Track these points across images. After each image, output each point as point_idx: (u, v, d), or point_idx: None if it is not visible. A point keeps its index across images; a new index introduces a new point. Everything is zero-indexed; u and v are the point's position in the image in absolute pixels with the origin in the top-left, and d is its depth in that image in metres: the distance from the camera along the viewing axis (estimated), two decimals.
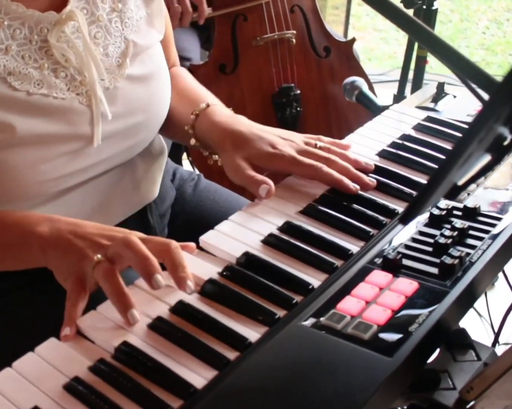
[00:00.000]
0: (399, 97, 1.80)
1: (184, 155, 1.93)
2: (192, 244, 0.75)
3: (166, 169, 1.05)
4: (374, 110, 1.39)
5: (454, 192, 0.57)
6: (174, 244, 0.70)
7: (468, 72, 0.62)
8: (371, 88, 1.63)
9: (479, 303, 1.08)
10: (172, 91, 0.98)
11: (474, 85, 0.61)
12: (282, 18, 1.68)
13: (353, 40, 1.78)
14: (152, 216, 0.99)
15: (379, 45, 3.97)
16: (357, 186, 0.84)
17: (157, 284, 0.66)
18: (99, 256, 0.68)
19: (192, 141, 0.94)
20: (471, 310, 1.11)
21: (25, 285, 0.88)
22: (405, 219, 0.53)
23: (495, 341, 0.83)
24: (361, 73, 1.71)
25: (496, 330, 0.89)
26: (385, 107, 1.12)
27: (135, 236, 0.69)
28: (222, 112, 0.94)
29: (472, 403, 0.65)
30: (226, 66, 1.69)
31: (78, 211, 0.88)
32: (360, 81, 1.49)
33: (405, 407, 0.68)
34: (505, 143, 0.61)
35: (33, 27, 0.80)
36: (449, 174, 0.53)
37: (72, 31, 0.82)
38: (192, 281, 0.68)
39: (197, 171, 1.26)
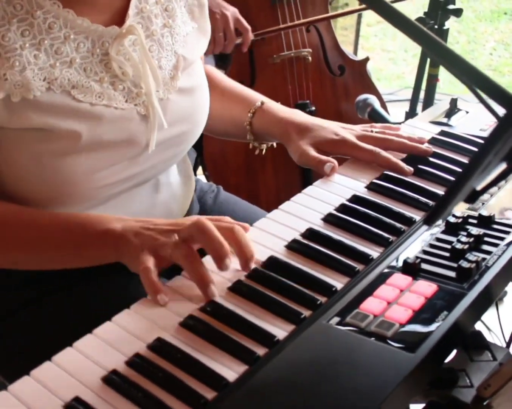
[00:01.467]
0: (411, 114, 1.84)
1: (200, 170, 1.97)
2: (247, 224, 0.82)
3: None
4: (378, 120, 1.44)
5: (473, 197, 0.61)
6: (236, 227, 0.76)
7: (481, 84, 0.66)
8: (383, 105, 1.67)
9: (488, 318, 1.11)
10: (213, 89, 1.06)
11: (485, 96, 0.65)
12: (298, 36, 1.73)
13: (367, 59, 1.83)
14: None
15: (387, 66, 4.02)
16: (411, 169, 0.95)
17: (226, 267, 0.72)
18: (176, 236, 0.74)
19: (249, 136, 1.07)
20: (480, 324, 1.13)
21: (59, 289, 0.93)
22: (430, 220, 0.57)
23: (508, 345, 0.86)
24: (374, 91, 1.76)
25: (508, 338, 0.92)
26: (397, 124, 1.16)
27: (206, 219, 0.75)
28: (279, 108, 1.06)
29: (489, 400, 0.68)
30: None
31: None
32: (372, 98, 1.54)
33: (425, 404, 0.71)
34: None
35: (96, 41, 0.85)
36: (469, 180, 0.57)
37: (129, 44, 0.87)
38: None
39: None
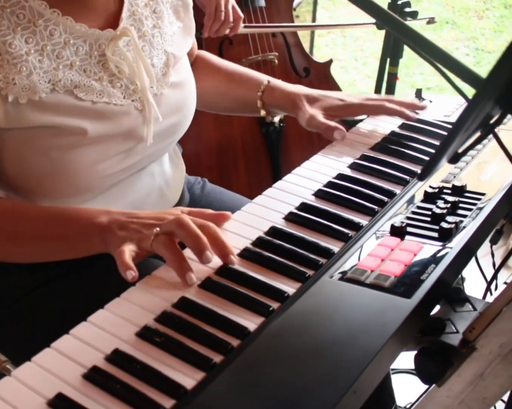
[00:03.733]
0: None
1: None
2: (228, 213, 0.86)
3: None
4: (351, 124, 1.53)
5: (456, 158, 0.70)
6: (210, 224, 0.79)
7: (452, 67, 0.76)
8: None
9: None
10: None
11: (453, 77, 0.75)
12: (265, 41, 1.82)
13: (331, 61, 1.94)
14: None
15: (339, 74, 4.15)
16: (415, 115, 1.12)
17: (207, 259, 0.75)
18: (157, 228, 0.78)
19: (262, 112, 1.18)
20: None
21: (47, 282, 0.98)
22: (422, 176, 0.66)
23: (484, 297, 0.96)
24: (338, 90, 1.85)
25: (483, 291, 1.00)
26: (361, 121, 1.25)
27: (186, 215, 0.79)
28: (285, 84, 1.17)
29: (473, 342, 0.77)
30: None
31: (119, 207, 0.98)
32: None
33: (417, 351, 0.79)
34: (491, 122, 0.74)
35: (93, 43, 0.91)
36: (453, 142, 0.66)
37: (123, 45, 0.94)
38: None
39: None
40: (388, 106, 1.10)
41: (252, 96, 1.17)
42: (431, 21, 1.84)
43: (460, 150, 0.72)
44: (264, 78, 1.18)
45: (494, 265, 1.18)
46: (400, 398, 1.18)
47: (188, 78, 1.07)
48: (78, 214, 0.86)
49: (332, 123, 1.06)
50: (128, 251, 0.77)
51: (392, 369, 1.71)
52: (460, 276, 1.10)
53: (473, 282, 1.14)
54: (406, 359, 0.79)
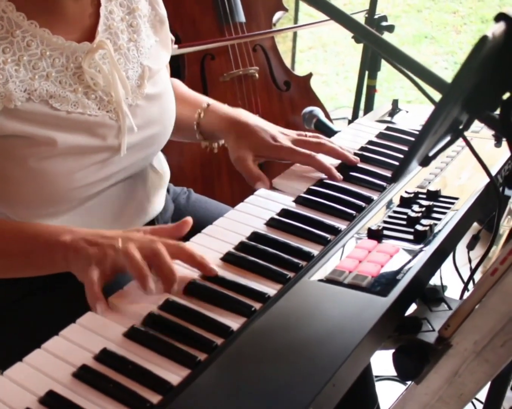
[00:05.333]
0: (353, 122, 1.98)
1: None
2: (188, 218, 0.86)
3: None
4: (331, 135, 1.57)
5: (426, 161, 0.73)
6: (181, 244, 0.80)
7: (420, 74, 0.79)
8: (327, 116, 1.81)
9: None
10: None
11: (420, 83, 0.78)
12: (245, 56, 1.86)
13: (310, 74, 1.98)
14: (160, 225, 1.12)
15: (321, 88, 4.21)
16: (341, 176, 1.01)
17: (149, 290, 0.75)
18: (119, 244, 0.78)
19: (198, 136, 1.14)
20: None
21: (35, 291, 1.00)
22: (394, 177, 0.69)
23: (461, 297, 0.99)
24: (318, 103, 1.90)
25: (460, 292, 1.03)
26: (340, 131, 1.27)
27: (133, 246, 0.78)
28: (223, 107, 1.13)
29: (449, 340, 0.80)
30: None
31: (98, 218, 1.00)
32: (317, 110, 1.66)
33: (394, 349, 0.82)
34: (460, 127, 0.78)
35: (70, 56, 0.94)
36: (423, 144, 0.69)
37: (99, 58, 0.96)
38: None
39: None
40: (318, 160, 1.02)
41: (190, 119, 1.14)
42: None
43: (430, 154, 0.75)
44: (205, 100, 1.16)
45: (471, 269, 1.21)
46: (385, 405, 1.20)
47: (166, 91, 1.08)
48: (42, 231, 0.87)
49: (256, 173, 1.02)
50: (97, 279, 0.76)
51: (377, 376, 1.74)
52: (441, 284, 1.13)
53: (454, 289, 1.17)
54: (390, 366, 0.81)
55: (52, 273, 0.87)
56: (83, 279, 0.79)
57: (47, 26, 0.91)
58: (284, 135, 1.07)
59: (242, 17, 1.88)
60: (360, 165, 1.07)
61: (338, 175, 1.01)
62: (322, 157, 1.04)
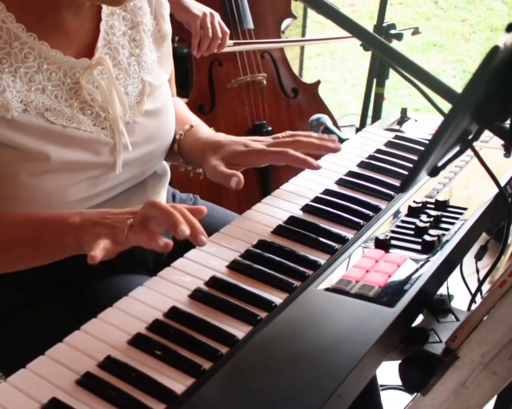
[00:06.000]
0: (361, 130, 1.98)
1: None
2: (202, 207, 0.82)
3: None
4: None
5: (435, 171, 0.73)
6: (179, 206, 0.78)
7: (428, 83, 0.79)
8: (335, 124, 1.81)
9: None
10: None
11: (430, 93, 0.78)
12: (253, 62, 1.86)
13: (318, 82, 1.98)
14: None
15: (328, 95, 4.21)
16: (320, 165, 0.98)
17: (182, 232, 0.73)
18: (131, 219, 0.77)
19: (180, 158, 1.09)
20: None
21: (39, 297, 0.99)
22: (403, 187, 0.68)
23: (469, 309, 0.98)
24: (326, 111, 1.89)
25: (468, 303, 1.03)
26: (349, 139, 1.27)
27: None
28: (204, 131, 1.08)
29: (456, 351, 0.79)
30: (204, 107, 1.85)
31: None
32: (324, 117, 1.66)
33: (401, 360, 0.82)
34: (469, 137, 0.78)
35: (67, 71, 0.93)
36: (432, 154, 0.69)
37: (98, 73, 0.95)
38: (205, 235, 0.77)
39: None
40: (291, 154, 0.97)
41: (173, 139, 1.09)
42: (415, 31, 1.87)
43: (439, 164, 0.75)
44: (191, 123, 1.10)
45: (479, 280, 1.21)
46: None
47: (166, 107, 1.06)
48: (51, 216, 0.87)
49: (228, 171, 0.96)
50: (102, 243, 0.75)
51: (382, 385, 1.73)
52: (448, 294, 1.12)
53: (460, 299, 1.16)
54: (396, 375, 0.81)
55: (65, 257, 0.86)
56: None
57: (46, 40, 0.90)
58: (257, 142, 1.02)
59: (250, 24, 1.88)
60: (368, 173, 1.07)
61: (316, 164, 0.97)
62: (294, 151, 0.98)
